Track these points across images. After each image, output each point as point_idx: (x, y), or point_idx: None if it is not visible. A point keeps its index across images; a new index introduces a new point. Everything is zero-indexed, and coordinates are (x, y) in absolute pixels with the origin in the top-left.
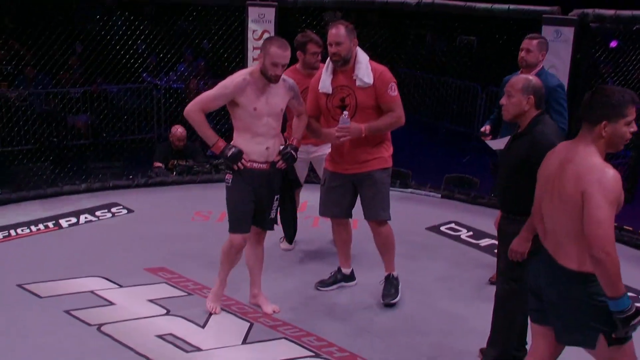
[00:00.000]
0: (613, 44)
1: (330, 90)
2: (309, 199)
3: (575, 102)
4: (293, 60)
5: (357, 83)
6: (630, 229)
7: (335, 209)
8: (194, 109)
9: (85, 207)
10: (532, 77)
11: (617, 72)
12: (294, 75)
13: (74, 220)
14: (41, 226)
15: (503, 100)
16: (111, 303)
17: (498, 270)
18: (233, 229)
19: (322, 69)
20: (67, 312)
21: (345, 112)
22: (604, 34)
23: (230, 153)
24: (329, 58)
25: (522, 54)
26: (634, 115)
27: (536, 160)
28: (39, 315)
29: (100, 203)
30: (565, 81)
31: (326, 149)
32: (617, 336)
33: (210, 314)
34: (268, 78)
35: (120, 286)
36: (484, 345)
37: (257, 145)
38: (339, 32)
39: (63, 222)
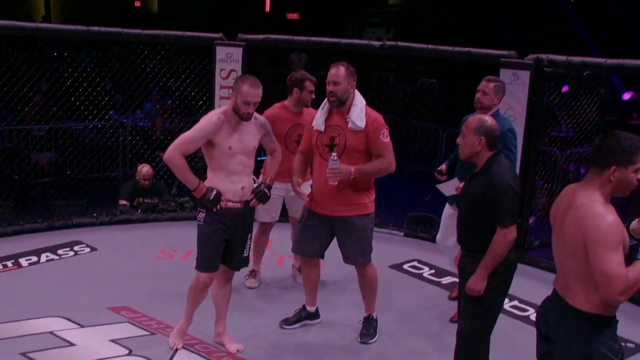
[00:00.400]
0: (565, 88)
1: (322, 129)
2: (274, 237)
3: (531, 142)
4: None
5: (349, 125)
6: None
7: (309, 248)
8: (175, 153)
9: (47, 246)
10: (487, 119)
11: (570, 114)
12: (281, 112)
13: (34, 259)
14: (0, 265)
15: (459, 140)
16: (71, 344)
17: (459, 308)
18: (201, 267)
19: (319, 109)
20: (24, 354)
21: (334, 153)
22: (557, 78)
23: (212, 196)
24: (326, 97)
25: (478, 95)
26: None
27: (491, 199)
28: None
29: (62, 241)
30: (522, 122)
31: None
32: None
33: (174, 354)
34: (240, 116)
35: (82, 326)
36: None
37: (232, 184)
38: (338, 72)
39: (23, 261)
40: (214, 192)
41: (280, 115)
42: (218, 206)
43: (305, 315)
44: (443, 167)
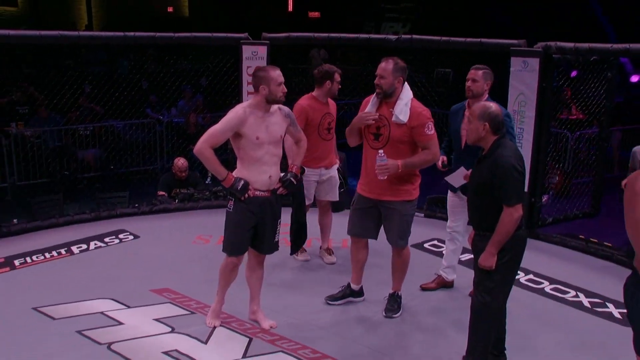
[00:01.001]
0: (573, 73)
1: None
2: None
3: (542, 125)
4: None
5: (393, 118)
6: (596, 241)
7: (360, 229)
8: (204, 146)
9: (95, 234)
10: (490, 105)
11: (578, 97)
12: (313, 102)
13: (84, 246)
14: (54, 253)
15: (464, 125)
16: (120, 323)
17: (474, 283)
18: (229, 251)
19: (371, 96)
20: (79, 332)
21: (381, 151)
22: (565, 64)
23: (240, 186)
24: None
25: (468, 83)
26: None
27: (497, 181)
28: (52, 336)
29: (108, 230)
30: (533, 106)
31: (333, 172)
32: None
33: (212, 331)
34: (278, 100)
35: (128, 307)
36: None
37: (260, 174)
38: (386, 66)
39: (74, 249)
40: (242, 182)
41: (313, 105)
42: (246, 195)
43: (349, 293)
44: (444, 158)
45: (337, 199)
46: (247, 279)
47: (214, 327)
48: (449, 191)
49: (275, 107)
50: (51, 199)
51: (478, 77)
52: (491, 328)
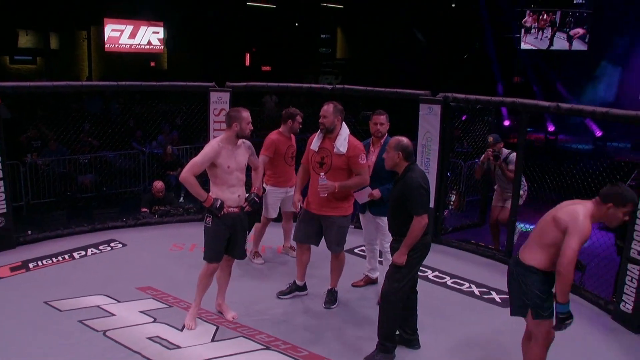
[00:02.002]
0: (463, 117)
1: (317, 149)
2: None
3: (444, 156)
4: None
5: (335, 150)
6: (482, 244)
7: (303, 236)
8: (188, 175)
9: (91, 243)
10: (403, 139)
11: (466, 135)
12: (279, 136)
13: (83, 252)
14: (60, 258)
15: (384, 155)
16: (112, 314)
17: (387, 274)
18: (210, 259)
19: (316, 133)
20: (81, 321)
21: (322, 174)
22: (458, 110)
23: (218, 204)
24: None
25: (377, 127)
26: (631, 209)
27: (408, 197)
28: (60, 324)
29: (102, 239)
30: (437, 141)
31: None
32: (555, 329)
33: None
34: (245, 135)
35: (119, 301)
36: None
37: (231, 194)
38: (328, 108)
39: (75, 255)
40: (219, 201)
41: (280, 139)
42: (222, 212)
43: (295, 288)
44: None
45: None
46: (218, 277)
47: (191, 329)
48: (359, 213)
49: (240, 140)
50: (57, 215)
51: (384, 120)
52: (397, 311)
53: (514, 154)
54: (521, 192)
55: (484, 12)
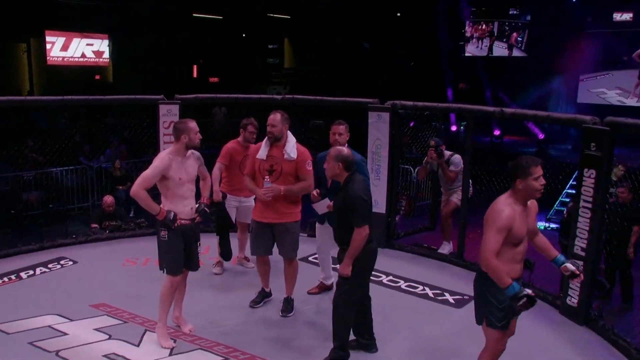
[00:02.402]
0: (411, 123)
1: (264, 158)
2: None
3: (393, 162)
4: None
5: (285, 156)
6: (435, 248)
7: (261, 249)
8: (139, 189)
9: (40, 262)
10: (343, 149)
11: (415, 141)
12: (235, 146)
13: (31, 272)
14: (6, 279)
15: (325, 165)
16: (65, 333)
17: (337, 284)
18: (172, 272)
19: (262, 142)
20: (31, 343)
21: (267, 177)
22: (407, 117)
23: (171, 216)
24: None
25: (335, 137)
26: (540, 172)
27: (349, 207)
28: (8, 348)
29: (51, 257)
30: (386, 148)
31: (250, 201)
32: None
33: (143, 335)
34: (195, 146)
35: (71, 320)
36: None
37: (184, 207)
38: (275, 117)
39: (23, 275)
40: (172, 213)
41: (236, 148)
42: (176, 224)
43: (265, 295)
44: (317, 191)
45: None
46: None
47: (172, 348)
48: (317, 223)
49: (189, 152)
50: (1, 234)
51: (342, 131)
52: (348, 319)
53: (457, 155)
54: (460, 185)
55: (436, 20)
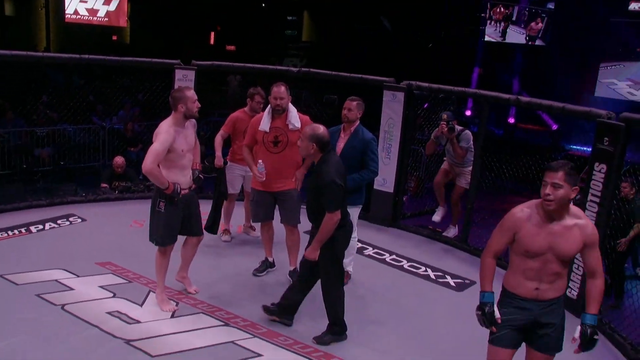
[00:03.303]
0: (425, 105)
1: (267, 129)
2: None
3: (405, 142)
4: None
5: (290, 127)
6: (440, 230)
7: (260, 215)
8: (152, 166)
9: (50, 217)
10: (319, 127)
11: (429, 123)
12: (241, 115)
13: (41, 227)
14: (16, 232)
15: (298, 142)
16: (71, 288)
17: (320, 267)
18: (162, 243)
19: (263, 113)
20: (38, 295)
21: (260, 161)
22: (421, 98)
23: (178, 190)
24: (269, 106)
25: (344, 112)
26: (548, 179)
27: (322, 188)
28: (16, 298)
29: (60, 214)
30: (399, 128)
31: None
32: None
33: (147, 295)
34: (193, 115)
35: (78, 276)
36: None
37: (184, 177)
38: (281, 90)
39: (33, 229)
40: (178, 186)
41: (241, 117)
42: (179, 195)
43: (267, 265)
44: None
45: None
46: (183, 254)
47: (174, 311)
48: None
49: (187, 121)
50: (14, 188)
51: (353, 107)
52: (338, 294)
53: (467, 131)
54: (470, 169)
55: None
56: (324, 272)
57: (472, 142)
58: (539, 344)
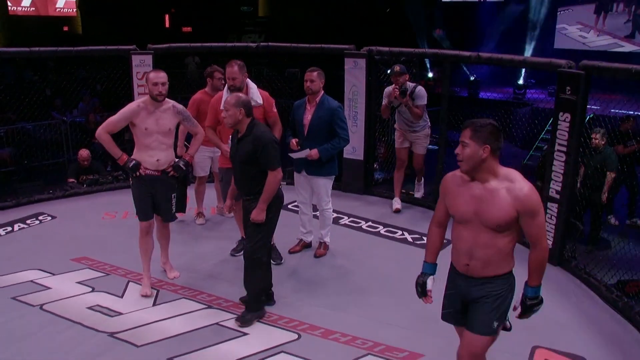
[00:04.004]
0: (388, 71)
1: None
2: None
3: (370, 109)
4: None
5: (253, 103)
6: (412, 193)
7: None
8: (102, 131)
9: (18, 218)
10: (241, 95)
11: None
12: (202, 96)
13: (9, 228)
14: None
15: (222, 114)
16: (48, 288)
17: (247, 234)
18: (139, 217)
19: (223, 91)
20: (14, 298)
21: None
22: (383, 63)
23: (130, 165)
24: (226, 85)
25: (306, 84)
26: (462, 137)
27: (262, 154)
28: None
29: (29, 213)
30: (363, 95)
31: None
32: None
33: (126, 287)
34: (154, 98)
35: (53, 274)
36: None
37: (149, 157)
38: (233, 70)
39: (1, 231)
40: (133, 162)
41: (203, 98)
42: (137, 173)
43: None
44: (295, 141)
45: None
46: (158, 238)
47: (147, 296)
48: (294, 172)
49: (169, 104)
50: None
51: (314, 77)
52: (263, 268)
53: (421, 87)
54: (427, 130)
55: None
56: (253, 237)
57: (426, 99)
58: (466, 320)
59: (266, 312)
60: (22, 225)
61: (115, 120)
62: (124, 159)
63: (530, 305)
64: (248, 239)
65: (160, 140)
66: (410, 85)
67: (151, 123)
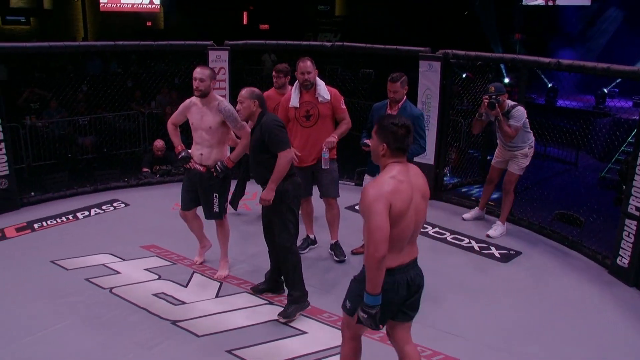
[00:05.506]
0: (464, 74)
1: (297, 105)
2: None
3: (444, 113)
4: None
5: (319, 100)
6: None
7: (304, 191)
8: (169, 122)
9: (94, 203)
10: (254, 89)
11: (467, 93)
12: (270, 93)
13: (87, 213)
14: (64, 218)
15: (237, 107)
16: (118, 272)
17: (276, 230)
18: (180, 206)
19: (291, 89)
20: (87, 279)
21: (324, 149)
22: (459, 67)
23: (180, 156)
24: (297, 82)
25: (390, 95)
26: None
27: (269, 139)
28: (67, 282)
29: (104, 200)
30: (437, 98)
31: None
32: None
33: (191, 277)
34: (195, 94)
35: (124, 259)
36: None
37: (196, 151)
38: (307, 64)
39: (79, 215)
40: (183, 153)
41: (270, 95)
42: (187, 165)
43: (309, 242)
44: (369, 141)
45: None
46: (216, 234)
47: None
48: (366, 175)
49: (215, 102)
50: (59, 176)
51: (397, 88)
52: (296, 258)
53: (520, 107)
54: (527, 150)
55: None
56: (282, 230)
57: (525, 119)
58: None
59: (310, 304)
60: (97, 211)
61: (176, 113)
62: (179, 149)
63: None
64: (278, 233)
65: (203, 137)
66: (509, 103)
67: (197, 119)
